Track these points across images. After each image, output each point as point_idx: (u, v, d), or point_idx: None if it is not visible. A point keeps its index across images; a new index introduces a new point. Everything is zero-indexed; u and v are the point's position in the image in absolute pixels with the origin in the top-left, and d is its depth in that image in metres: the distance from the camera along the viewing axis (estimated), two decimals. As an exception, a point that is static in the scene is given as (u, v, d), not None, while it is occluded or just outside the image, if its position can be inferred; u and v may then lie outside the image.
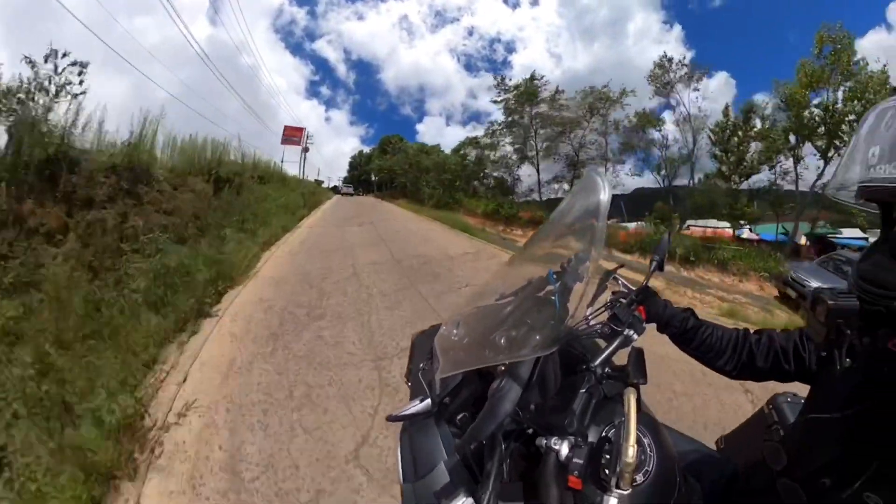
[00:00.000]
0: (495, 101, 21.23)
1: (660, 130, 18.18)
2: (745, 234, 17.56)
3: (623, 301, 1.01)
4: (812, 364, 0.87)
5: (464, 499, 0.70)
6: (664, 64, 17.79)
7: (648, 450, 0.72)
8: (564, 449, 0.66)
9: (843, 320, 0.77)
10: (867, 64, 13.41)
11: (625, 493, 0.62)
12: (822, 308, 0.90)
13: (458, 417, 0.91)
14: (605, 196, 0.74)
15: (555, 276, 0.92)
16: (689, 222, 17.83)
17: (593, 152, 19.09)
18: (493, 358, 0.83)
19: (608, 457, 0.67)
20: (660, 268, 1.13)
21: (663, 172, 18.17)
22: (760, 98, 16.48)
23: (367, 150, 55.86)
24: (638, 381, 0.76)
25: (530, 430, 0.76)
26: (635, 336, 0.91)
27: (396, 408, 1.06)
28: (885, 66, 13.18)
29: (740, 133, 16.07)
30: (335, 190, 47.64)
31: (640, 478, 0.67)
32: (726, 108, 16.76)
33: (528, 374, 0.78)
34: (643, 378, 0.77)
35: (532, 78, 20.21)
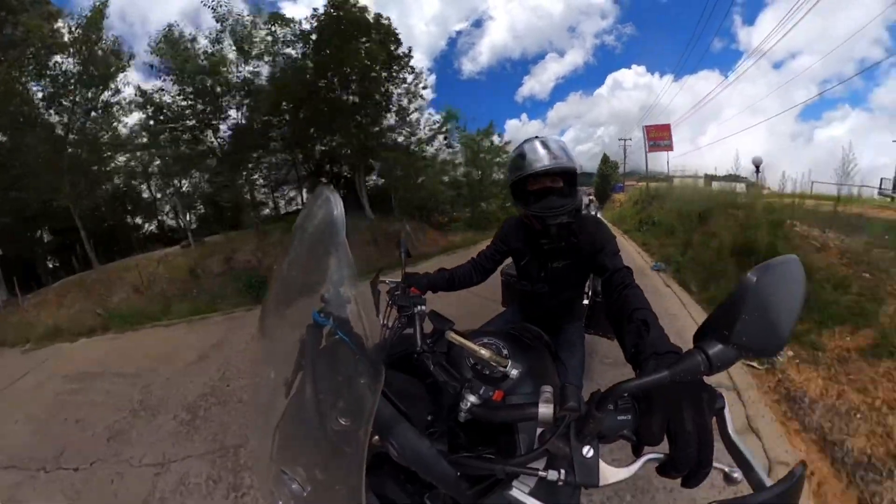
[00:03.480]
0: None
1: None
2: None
3: (398, 293, 1.24)
4: (512, 247, 1.59)
5: None
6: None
7: (490, 340, 1.02)
8: (472, 398, 0.73)
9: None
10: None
11: (508, 363, 0.85)
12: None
13: (426, 498, 0.76)
14: (338, 210, 0.71)
15: (322, 315, 0.78)
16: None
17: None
18: (357, 447, 0.58)
19: (485, 369, 0.89)
20: (408, 255, 1.52)
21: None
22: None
23: None
24: (448, 326, 0.93)
25: (452, 423, 0.78)
26: (423, 307, 1.09)
27: None
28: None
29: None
30: None
31: (506, 353, 0.95)
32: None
33: (393, 410, 0.71)
34: (450, 321, 0.95)
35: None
